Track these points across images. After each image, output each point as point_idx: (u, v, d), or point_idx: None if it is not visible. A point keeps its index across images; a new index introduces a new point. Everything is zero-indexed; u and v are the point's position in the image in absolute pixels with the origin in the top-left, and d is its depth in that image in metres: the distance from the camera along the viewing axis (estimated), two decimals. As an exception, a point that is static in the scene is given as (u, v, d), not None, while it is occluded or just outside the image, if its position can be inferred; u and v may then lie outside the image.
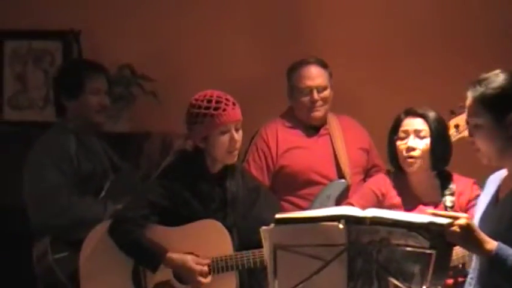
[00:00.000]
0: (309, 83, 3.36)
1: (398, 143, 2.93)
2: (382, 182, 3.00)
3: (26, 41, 4.03)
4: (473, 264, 2.19)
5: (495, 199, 2.19)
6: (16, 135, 3.92)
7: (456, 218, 2.05)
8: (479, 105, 2.12)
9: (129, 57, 3.97)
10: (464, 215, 2.09)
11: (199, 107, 2.81)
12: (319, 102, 3.36)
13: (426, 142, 2.90)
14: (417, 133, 2.91)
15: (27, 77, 4.05)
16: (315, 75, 3.37)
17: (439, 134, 2.91)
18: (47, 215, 3.04)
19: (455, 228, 2.03)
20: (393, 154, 2.96)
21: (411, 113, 2.95)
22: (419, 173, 2.94)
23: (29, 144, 3.22)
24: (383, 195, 2.97)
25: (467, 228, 2.03)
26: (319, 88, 3.36)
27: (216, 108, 2.80)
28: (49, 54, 4.01)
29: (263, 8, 4.09)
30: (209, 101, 2.81)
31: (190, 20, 4.06)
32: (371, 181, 3.10)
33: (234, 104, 2.84)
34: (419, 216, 2.06)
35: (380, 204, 2.93)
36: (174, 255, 2.81)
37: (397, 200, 2.94)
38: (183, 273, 2.81)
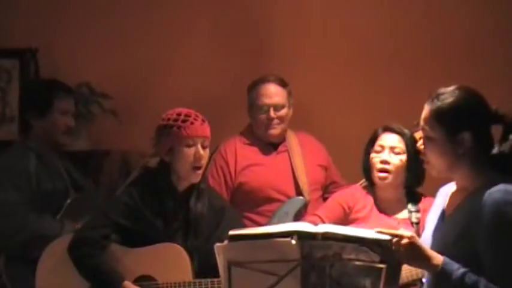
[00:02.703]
0: (267, 101, 3.38)
1: (373, 155, 2.99)
2: (349, 196, 3.05)
3: (-18, 59, 4.00)
4: (426, 279, 2.21)
5: (443, 213, 2.22)
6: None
7: (400, 236, 2.07)
8: (434, 119, 2.14)
9: (87, 76, 3.96)
10: (408, 233, 2.09)
11: (168, 119, 2.85)
12: (276, 121, 3.38)
13: (400, 158, 2.97)
14: (392, 149, 2.97)
15: (-17, 95, 4.02)
16: (273, 94, 3.39)
17: (415, 153, 2.96)
18: (1, 232, 3.02)
19: (400, 248, 2.05)
20: (367, 166, 3.02)
21: (389, 129, 3.01)
22: (389, 188, 2.99)
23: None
24: (349, 208, 3.02)
25: (410, 247, 2.05)
26: (276, 106, 3.39)
27: (184, 121, 2.83)
28: (6, 72, 3.99)
29: (224, 26, 4.12)
30: (178, 114, 2.86)
31: (150, 37, 4.07)
32: (338, 194, 3.14)
33: (203, 120, 2.87)
34: (368, 232, 2.09)
35: (346, 217, 2.98)
36: (130, 287, 2.78)
37: (363, 213, 2.99)
38: None
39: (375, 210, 2.99)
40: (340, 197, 3.08)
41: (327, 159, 3.52)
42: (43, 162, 3.18)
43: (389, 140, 2.98)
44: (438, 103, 2.15)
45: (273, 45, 4.11)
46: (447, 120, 2.13)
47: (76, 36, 4.02)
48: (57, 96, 3.22)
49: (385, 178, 2.96)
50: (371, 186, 3.03)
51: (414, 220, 2.84)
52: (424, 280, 2.58)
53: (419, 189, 3.05)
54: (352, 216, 2.98)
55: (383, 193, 3.00)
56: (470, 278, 2.03)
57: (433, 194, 2.86)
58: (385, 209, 3.00)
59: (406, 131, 2.99)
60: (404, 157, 2.96)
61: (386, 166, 2.95)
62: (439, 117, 2.14)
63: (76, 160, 3.48)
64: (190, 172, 2.84)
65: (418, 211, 2.91)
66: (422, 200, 3.00)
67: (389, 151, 2.96)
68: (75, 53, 4.01)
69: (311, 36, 4.11)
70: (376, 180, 2.99)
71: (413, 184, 3.00)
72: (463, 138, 2.12)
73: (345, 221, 2.96)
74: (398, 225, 2.87)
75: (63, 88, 3.29)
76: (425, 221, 2.83)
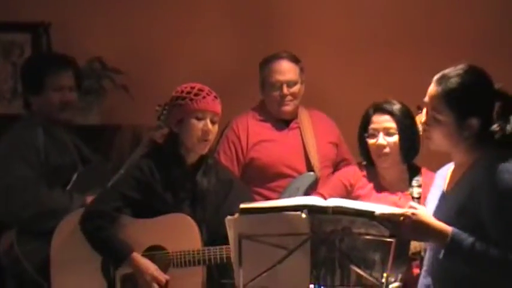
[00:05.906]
0: (279, 77, 3.38)
1: (369, 141, 2.98)
2: (351, 174, 3.06)
3: (-6, 32, 4.00)
4: (427, 255, 2.21)
5: (443, 193, 2.22)
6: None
7: (403, 215, 2.06)
8: (443, 102, 2.12)
9: (100, 51, 3.96)
10: (410, 210, 2.09)
11: (182, 91, 2.89)
12: (289, 97, 3.38)
13: (395, 138, 2.96)
14: (386, 131, 2.96)
15: (-5, 69, 4.03)
16: (285, 70, 3.39)
17: (406, 128, 2.96)
18: (13, 207, 3.04)
19: (405, 225, 2.05)
20: (365, 150, 3.02)
21: (379, 109, 2.99)
22: (390, 166, 2.99)
23: (-4, 137, 3.21)
24: (351, 186, 3.03)
25: (414, 224, 2.06)
26: (289, 83, 3.38)
27: (196, 94, 2.87)
28: (18, 47, 3.98)
29: (236, 2, 4.11)
30: (192, 88, 2.90)
31: (162, 12, 4.07)
32: (340, 172, 3.16)
33: (215, 97, 2.90)
34: (379, 207, 2.09)
35: (349, 195, 2.99)
36: (138, 259, 2.82)
37: (365, 191, 3.00)
38: (140, 279, 2.82)
39: (377, 187, 3.00)
40: (342, 175, 3.09)
41: (338, 136, 3.52)
42: (50, 135, 3.15)
43: (381, 121, 2.97)
44: (448, 85, 2.12)
45: (285, 21, 4.10)
46: (457, 105, 2.11)
47: (89, 11, 4.01)
48: (48, 73, 3.11)
49: (385, 160, 2.97)
50: (372, 166, 3.03)
51: (416, 195, 2.84)
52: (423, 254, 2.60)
53: (418, 164, 3.05)
54: (354, 193, 2.99)
55: (386, 171, 3.00)
56: (481, 245, 2.03)
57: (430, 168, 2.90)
58: (387, 185, 3.00)
59: (395, 107, 2.97)
60: (397, 136, 2.96)
61: (383, 150, 2.95)
62: (448, 101, 2.12)
63: (88, 135, 3.48)
64: (196, 144, 2.87)
65: (419, 186, 2.91)
66: (423, 173, 3.00)
67: (384, 134, 2.96)
68: (87, 28, 4.00)
69: (323, 13, 4.09)
70: (377, 163, 2.99)
71: (411, 157, 3.00)
72: (471, 123, 2.12)
73: (347, 198, 2.97)
74: (399, 201, 2.88)
75: (55, 63, 3.16)
76: (424, 196, 2.86)
